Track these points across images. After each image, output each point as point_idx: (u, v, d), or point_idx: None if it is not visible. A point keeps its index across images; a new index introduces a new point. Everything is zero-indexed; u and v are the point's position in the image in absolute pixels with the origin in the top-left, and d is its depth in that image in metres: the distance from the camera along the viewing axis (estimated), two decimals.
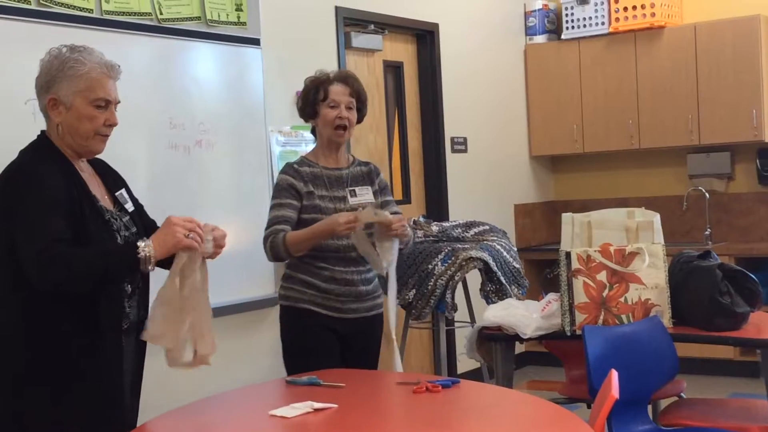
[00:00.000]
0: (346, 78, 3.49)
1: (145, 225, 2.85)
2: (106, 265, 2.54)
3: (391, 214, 3.42)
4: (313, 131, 3.58)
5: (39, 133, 2.73)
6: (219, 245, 2.71)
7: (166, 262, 2.63)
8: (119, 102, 2.72)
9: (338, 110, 3.42)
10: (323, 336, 3.36)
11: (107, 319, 2.60)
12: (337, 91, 3.44)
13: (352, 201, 3.44)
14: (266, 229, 3.37)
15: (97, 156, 2.79)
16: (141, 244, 2.53)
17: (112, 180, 2.83)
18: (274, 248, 3.30)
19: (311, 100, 3.44)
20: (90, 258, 2.52)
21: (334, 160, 3.50)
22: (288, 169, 3.46)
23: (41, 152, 2.66)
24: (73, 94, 2.62)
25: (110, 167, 2.88)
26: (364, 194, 3.49)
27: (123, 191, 2.82)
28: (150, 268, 2.56)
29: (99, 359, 2.58)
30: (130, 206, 2.81)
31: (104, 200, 2.72)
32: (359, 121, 3.55)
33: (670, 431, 3.48)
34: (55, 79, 2.63)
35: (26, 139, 3.42)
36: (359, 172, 3.55)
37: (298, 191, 3.38)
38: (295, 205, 3.36)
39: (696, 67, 6.47)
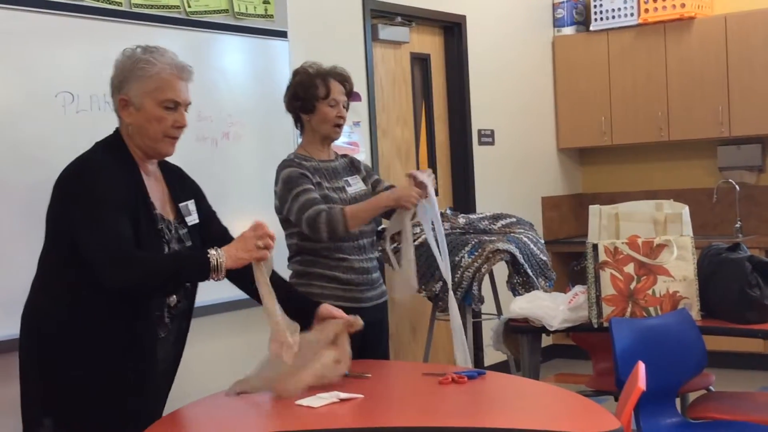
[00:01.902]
0: (344, 77, 3.50)
1: (213, 234, 2.85)
2: (177, 269, 2.58)
3: (385, 188, 3.56)
4: (297, 124, 3.57)
5: (115, 128, 2.75)
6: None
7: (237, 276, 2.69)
8: (190, 104, 2.73)
9: (338, 109, 3.44)
10: None
11: (146, 306, 2.64)
12: (337, 89, 3.45)
13: (350, 191, 3.47)
14: (304, 213, 3.29)
15: (175, 165, 2.83)
16: (212, 251, 2.56)
17: (181, 189, 2.83)
18: (331, 223, 3.25)
19: (311, 96, 3.43)
20: (162, 262, 2.57)
21: (326, 153, 3.53)
22: (291, 163, 3.44)
23: (111, 150, 2.67)
24: (143, 95, 2.64)
25: (186, 176, 2.89)
26: (357, 183, 3.53)
27: (190, 203, 2.82)
28: (221, 276, 2.58)
29: (134, 346, 2.62)
30: (192, 219, 2.81)
31: (163, 209, 2.73)
32: None
33: (698, 424, 3.46)
34: (126, 80, 2.65)
35: (57, 131, 3.49)
36: (345, 164, 3.58)
37: (310, 179, 3.38)
38: (315, 190, 3.36)
39: (726, 58, 6.40)
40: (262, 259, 2.64)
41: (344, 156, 3.66)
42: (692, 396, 3.89)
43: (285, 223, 3.45)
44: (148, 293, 2.60)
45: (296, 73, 3.52)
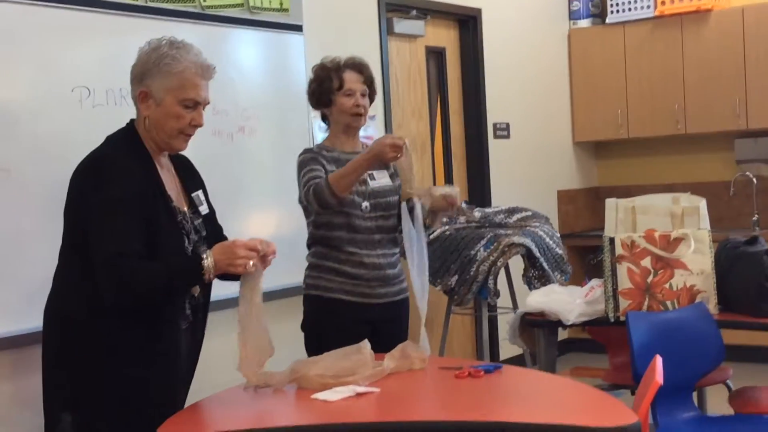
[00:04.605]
0: (359, 65, 3.48)
1: (214, 231, 2.87)
2: (170, 282, 2.57)
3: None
4: (323, 118, 3.58)
5: (128, 121, 2.76)
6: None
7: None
8: (209, 103, 2.74)
9: (354, 98, 3.43)
10: (353, 328, 3.30)
11: (170, 304, 2.65)
12: (352, 78, 3.44)
13: (372, 184, 3.45)
14: (303, 189, 3.34)
15: (182, 154, 2.83)
16: (204, 258, 2.56)
17: (191, 179, 2.84)
18: (317, 192, 3.25)
19: (326, 89, 3.44)
20: (155, 277, 2.54)
21: (350, 144, 3.51)
22: (309, 151, 3.47)
23: (126, 144, 2.68)
24: (164, 91, 2.64)
25: (192, 166, 2.90)
26: (383, 178, 3.50)
27: (199, 193, 2.84)
28: (210, 278, 2.60)
29: (156, 339, 2.63)
30: (204, 209, 2.82)
31: (178, 200, 2.74)
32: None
33: (715, 418, 3.44)
34: (149, 72, 2.65)
35: (74, 126, 3.50)
36: None
37: (322, 164, 3.38)
38: (323, 171, 3.36)
39: (744, 50, 6.36)
40: (247, 272, 2.64)
41: None
42: (709, 390, 3.87)
43: (305, 212, 3.47)
44: (140, 305, 2.59)
45: (314, 69, 3.53)
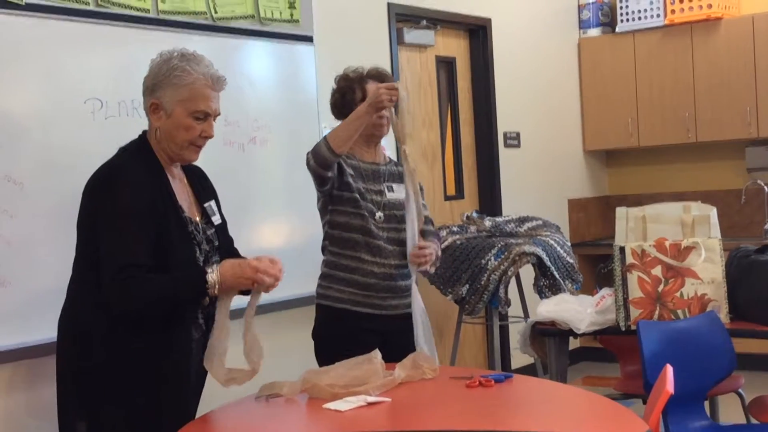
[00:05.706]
0: (382, 76, 3.48)
1: (226, 241, 2.89)
2: (175, 295, 2.59)
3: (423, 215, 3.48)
4: None
5: (141, 132, 2.78)
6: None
7: None
8: (219, 114, 2.76)
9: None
10: (362, 338, 3.28)
11: (181, 310, 2.66)
12: None
13: (389, 195, 3.44)
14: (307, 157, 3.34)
15: (195, 165, 2.85)
16: (210, 274, 2.57)
17: (204, 190, 2.86)
18: (316, 150, 3.24)
19: (349, 101, 3.43)
20: (159, 289, 2.56)
21: (371, 154, 3.49)
22: None
23: (138, 155, 2.70)
24: (175, 103, 2.66)
25: (205, 177, 2.92)
26: (400, 191, 3.47)
27: (212, 203, 2.85)
28: (214, 293, 2.61)
29: (169, 350, 2.65)
30: (217, 219, 2.84)
31: (190, 210, 2.76)
32: None
33: (727, 427, 3.43)
34: (160, 84, 2.67)
35: (86, 137, 3.52)
36: (396, 171, 3.54)
37: (342, 166, 3.36)
38: None
39: (754, 58, 6.35)
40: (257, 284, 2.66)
41: (400, 165, 3.65)
42: (721, 399, 3.84)
43: (320, 213, 3.47)
44: (147, 317, 2.61)
45: (337, 80, 3.52)
